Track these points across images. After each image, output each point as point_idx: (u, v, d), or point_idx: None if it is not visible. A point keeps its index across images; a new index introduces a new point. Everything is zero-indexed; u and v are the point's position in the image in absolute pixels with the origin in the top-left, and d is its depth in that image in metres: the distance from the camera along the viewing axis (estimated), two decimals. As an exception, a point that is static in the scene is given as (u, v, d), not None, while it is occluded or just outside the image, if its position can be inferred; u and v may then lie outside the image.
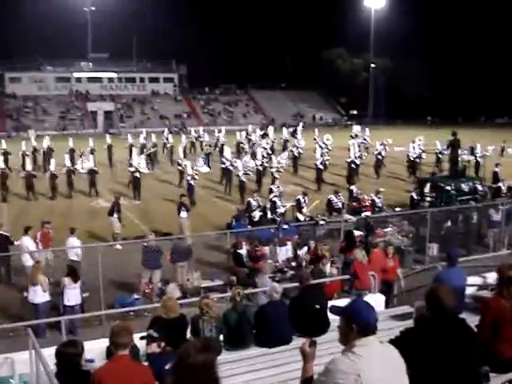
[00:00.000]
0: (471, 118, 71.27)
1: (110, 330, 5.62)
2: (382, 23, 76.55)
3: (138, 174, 26.90)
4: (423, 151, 32.52)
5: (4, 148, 34.73)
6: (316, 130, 42.40)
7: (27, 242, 14.81)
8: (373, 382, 3.34)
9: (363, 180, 28.28)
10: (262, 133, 42.16)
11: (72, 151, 34.03)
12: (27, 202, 26.49)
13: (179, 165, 29.50)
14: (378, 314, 3.73)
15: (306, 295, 8.99)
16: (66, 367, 6.05)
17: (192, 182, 25.29)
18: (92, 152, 33.32)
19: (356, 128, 43.93)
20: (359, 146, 35.88)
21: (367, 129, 42.69)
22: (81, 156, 31.33)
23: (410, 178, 30.43)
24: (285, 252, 16.04)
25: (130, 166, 27.85)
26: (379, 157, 32.51)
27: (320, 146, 33.29)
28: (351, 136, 40.55)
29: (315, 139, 38.19)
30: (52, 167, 27.87)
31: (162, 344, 6.36)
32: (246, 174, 26.59)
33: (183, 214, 19.13)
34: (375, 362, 3.42)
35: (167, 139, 39.89)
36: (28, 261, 14.11)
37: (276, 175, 26.27)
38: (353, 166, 29.27)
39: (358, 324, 3.52)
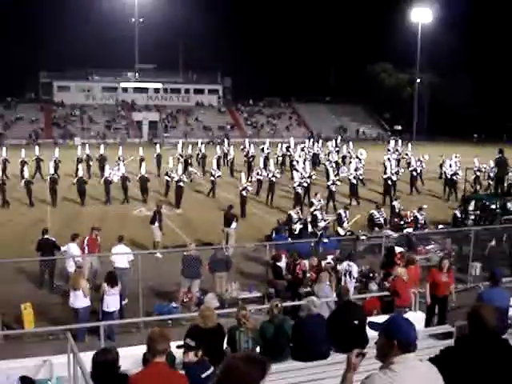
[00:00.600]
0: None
1: (148, 335, 5.65)
2: (428, 38, 75.85)
3: (181, 184, 27.14)
4: (459, 168, 31.73)
5: (56, 156, 35.32)
6: (350, 143, 42.22)
7: (73, 249, 15.02)
8: None
9: (404, 197, 27.73)
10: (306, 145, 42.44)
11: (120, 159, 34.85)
12: (73, 208, 26.92)
13: (212, 175, 29.80)
14: (417, 332, 3.67)
15: (344, 310, 8.89)
16: (102, 374, 6.12)
17: (244, 193, 25.45)
18: (141, 161, 33.86)
19: (392, 143, 43.41)
20: (397, 162, 35.89)
21: (410, 144, 42.15)
22: (118, 164, 32.14)
23: (445, 196, 29.88)
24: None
25: (168, 175, 28.83)
26: (414, 173, 31.95)
27: (357, 159, 33.30)
28: (388, 150, 40.36)
29: (349, 153, 38.12)
30: (106, 173, 28.62)
31: (199, 353, 6.36)
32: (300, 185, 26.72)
33: (234, 225, 19.26)
34: (413, 380, 3.36)
35: (200, 150, 40.30)
36: (72, 267, 14.28)
37: (332, 188, 26.56)
38: (389, 182, 28.63)
39: (400, 340, 3.48)
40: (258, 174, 30.28)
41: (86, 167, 35.27)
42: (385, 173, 29.39)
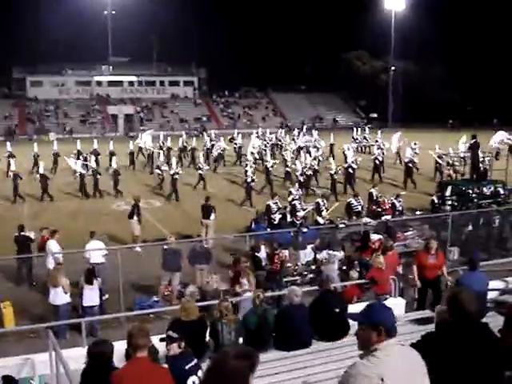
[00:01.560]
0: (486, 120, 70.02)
1: (128, 331, 5.65)
2: (402, 25, 76.10)
3: (177, 176, 27.35)
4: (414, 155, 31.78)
5: (35, 151, 35.17)
6: (315, 132, 42.53)
7: (52, 246, 14.91)
8: None
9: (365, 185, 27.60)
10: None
11: (97, 153, 34.78)
12: (44, 204, 26.68)
13: (200, 169, 29.75)
14: (397, 318, 3.71)
15: (326, 299, 8.96)
16: (98, 365, 6.16)
17: (252, 184, 26.11)
18: (111, 154, 33.79)
19: (355, 131, 44.04)
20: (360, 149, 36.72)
21: (379, 131, 42.32)
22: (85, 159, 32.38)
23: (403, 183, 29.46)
24: (304, 255, 16.03)
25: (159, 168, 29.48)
26: (376, 161, 31.77)
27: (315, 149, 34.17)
28: (353, 138, 40.77)
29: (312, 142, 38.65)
30: (78, 169, 28.68)
31: (182, 344, 6.37)
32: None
33: (212, 216, 19.26)
34: (397, 365, 3.39)
35: (186, 142, 40.13)
36: (51, 263, 14.21)
37: (300, 178, 26.62)
38: (350, 170, 28.46)
39: (385, 326, 3.51)
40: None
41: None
42: (345, 162, 29.35)
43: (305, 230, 16.67)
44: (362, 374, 3.36)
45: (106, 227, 20.24)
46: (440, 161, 31.13)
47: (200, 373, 6.20)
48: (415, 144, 34.42)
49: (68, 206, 26.16)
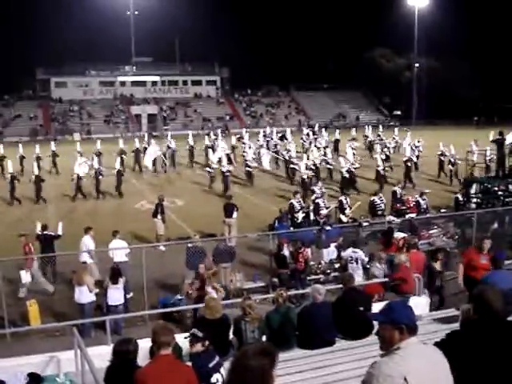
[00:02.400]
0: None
1: (152, 329, 5.69)
2: (425, 22, 75.47)
3: (228, 173, 27.88)
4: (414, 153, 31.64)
5: (53, 150, 35.68)
6: (323, 130, 42.74)
7: (87, 241, 15.09)
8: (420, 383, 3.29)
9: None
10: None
11: (122, 153, 35.00)
12: (73, 203, 26.92)
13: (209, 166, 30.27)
14: (420, 317, 3.70)
15: (349, 297, 8.91)
16: (122, 363, 6.22)
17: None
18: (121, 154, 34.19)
19: (353, 131, 43.36)
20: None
21: (396, 129, 42.04)
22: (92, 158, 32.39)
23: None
24: (328, 254, 15.97)
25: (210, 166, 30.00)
26: (408, 163, 30.33)
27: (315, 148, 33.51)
28: (353, 139, 39.78)
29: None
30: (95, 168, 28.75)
31: (206, 343, 6.40)
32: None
33: (235, 214, 19.29)
34: (420, 364, 3.37)
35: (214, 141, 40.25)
36: (87, 258, 14.42)
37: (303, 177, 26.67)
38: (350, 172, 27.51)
39: (407, 324, 3.50)
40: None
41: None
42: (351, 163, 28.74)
43: (328, 228, 16.60)
44: (385, 373, 3.33)
45: (129, 226, 20.36)
46: (442, 158, 30.77)
47: (223, 370, 6.23)
48: (418, 142, 34.14)
49: (90, 206, 26.39)
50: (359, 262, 13.64)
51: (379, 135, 42.21)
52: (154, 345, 5.58)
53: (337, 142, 40.26)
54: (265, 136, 41.84)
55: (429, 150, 34.50)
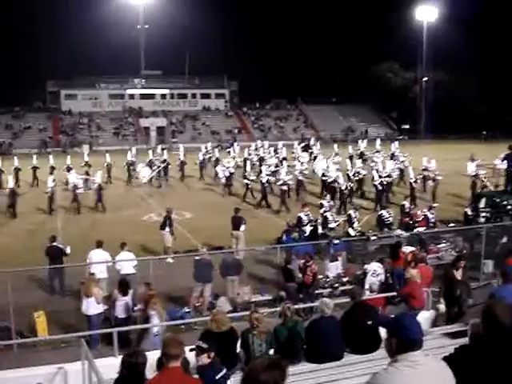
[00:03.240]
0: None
1: (162, 341, 5.69)
2: (434, 36, 75.65)
3: (267, 184, 28.56)
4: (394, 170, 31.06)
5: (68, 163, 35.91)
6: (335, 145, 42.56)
7: (98, 254, 15.13)
8: None
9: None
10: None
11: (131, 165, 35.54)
12: (87, 217, 26.96)
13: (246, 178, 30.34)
14: (426, 331, 3.71)
15: (358, 311, 8.88)
16: (131, 375, 6.21)
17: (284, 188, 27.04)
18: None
19: (361, 144, 42.49)
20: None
21: (395, 143, 41.77)
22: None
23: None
24: (335, 267, 15.93)
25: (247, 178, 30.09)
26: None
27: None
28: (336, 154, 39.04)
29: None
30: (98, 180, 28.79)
31: (212, 354, 6.40)
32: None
33: (243, 227, 19.27)
34: (417, 376, 3.40)
35: (207, 152, 40.56)
36: (101, 273, 14.44)
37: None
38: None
39: (399, 338, 3.55)
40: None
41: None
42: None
43: (336, 241, 16.58)
44: (380, 383, 3.42)
45: (137, 238, 20.39)
46: (426, 173, 30.19)
47: (229, 382, 6.23)
48: (405, 156, 33.98)
49: (96, 218, 26.46)
50: (379, 277, 13.65)
51: (378, 150, 40.72)
52: (164, 356, 5.58)
53: (362, 154, 39.57)
54: (256, 149, 42.19)
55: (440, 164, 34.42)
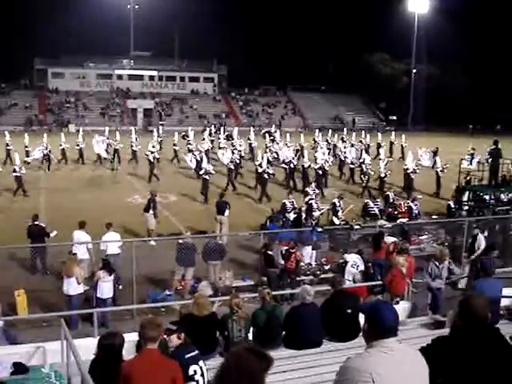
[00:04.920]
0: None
1: (140, 323, 5.70)
2: (425, 28, 75.78)
3: (265, 175, 27.24)
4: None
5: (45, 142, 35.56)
6: (317, 131, 42.74)
7: (82, 236, 15.04)
8: (385, 381, 3.36)
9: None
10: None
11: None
12: (61, 195, 26.78)
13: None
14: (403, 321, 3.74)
15: (338, 299, 8.94)
16: (107, 357, 6.23)
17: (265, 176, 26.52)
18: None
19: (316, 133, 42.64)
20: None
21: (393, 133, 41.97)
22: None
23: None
24: (312, 255, 15.99)
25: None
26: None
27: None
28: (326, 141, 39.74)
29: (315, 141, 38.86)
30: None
31: (182, 335, 6.43)
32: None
33: (227, 212, 19.25)
34: (389, 362, 3.46)
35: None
36: (83, 254, 14.39)
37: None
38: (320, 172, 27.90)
39: (374, 325, 3.61)
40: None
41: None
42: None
43: (319, 229, 16.65)
44: (353, 367, 3.47)
45: (120, 220, 20.30)
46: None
47: (201, 363, 6.27)
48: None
49: (81, 198, 26.31)
50: (359, 268, 13.71)
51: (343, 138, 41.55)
52: (141, 339, 5.59)
53: (368, 146, 39.85)
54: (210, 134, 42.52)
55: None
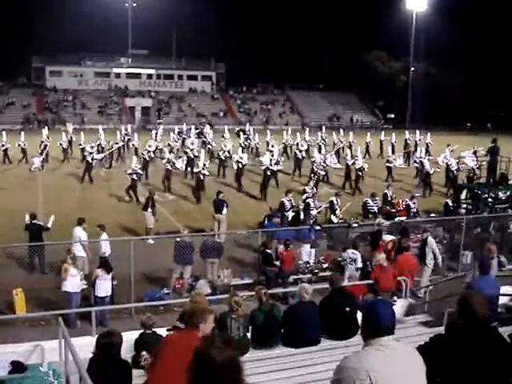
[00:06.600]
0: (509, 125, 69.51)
1: (190, 307, 5.61)
2: (422, 27, 75.69)
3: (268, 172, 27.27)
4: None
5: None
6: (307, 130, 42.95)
7: (79, 233, 15.02)
8: (382, 379, 3.36)
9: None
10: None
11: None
12: (62, 194, 26.74)
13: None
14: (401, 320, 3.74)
15: (336, 297, 8.93)
16: (105, 356, 6.22)
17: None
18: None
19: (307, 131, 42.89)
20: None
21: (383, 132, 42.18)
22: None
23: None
24: (310, 253, 15.97)
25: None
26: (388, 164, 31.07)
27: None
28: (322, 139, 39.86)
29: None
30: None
31: None
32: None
33: (225, 210, 19.23)
34: (386, 360, 3.46)
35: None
36: (80, 251, 14.34)
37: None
38: (268, 173, 27.13)
39: (370, 323, 3.62)
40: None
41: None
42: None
43: (318, 227, 16.65)
44: (349, 366, 3.47)
45: (118, 218, 20.32)
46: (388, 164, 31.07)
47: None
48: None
49: (77, 197, 26.26)
50: (357, 263, 13.70)
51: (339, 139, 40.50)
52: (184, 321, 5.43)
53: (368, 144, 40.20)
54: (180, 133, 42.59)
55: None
